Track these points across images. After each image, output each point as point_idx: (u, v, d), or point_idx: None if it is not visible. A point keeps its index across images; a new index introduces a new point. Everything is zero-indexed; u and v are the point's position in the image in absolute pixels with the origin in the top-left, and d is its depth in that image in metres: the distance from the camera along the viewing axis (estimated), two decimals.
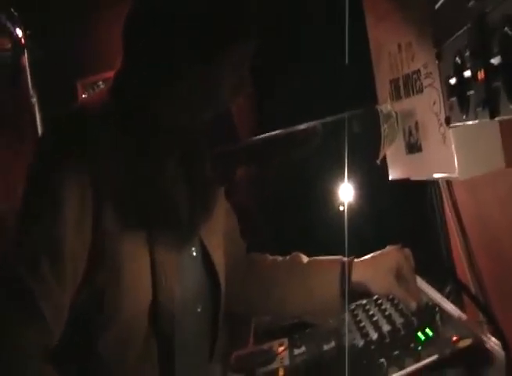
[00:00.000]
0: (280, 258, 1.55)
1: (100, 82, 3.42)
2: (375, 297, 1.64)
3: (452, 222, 1.64)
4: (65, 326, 1.11)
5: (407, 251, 1.44)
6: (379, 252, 1.46)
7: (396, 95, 1.60)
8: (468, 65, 1.05)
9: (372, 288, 1.43)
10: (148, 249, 1.17)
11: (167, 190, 1.23)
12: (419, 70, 1.47)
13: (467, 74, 1.06)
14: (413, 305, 1.39)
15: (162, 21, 1.14)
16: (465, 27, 1.05)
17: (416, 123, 1.52)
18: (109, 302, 1.15)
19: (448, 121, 1.24)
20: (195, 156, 1.32)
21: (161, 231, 1.20)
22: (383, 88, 1.68)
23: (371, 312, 1.56)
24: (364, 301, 1.65)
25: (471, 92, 1.05)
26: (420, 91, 1.48)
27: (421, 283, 1.60)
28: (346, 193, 1.85)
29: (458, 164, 1.35)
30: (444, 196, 1.66)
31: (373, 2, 1.68)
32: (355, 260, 1.45)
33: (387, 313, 1.52)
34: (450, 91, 1.19)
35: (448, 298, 1.62)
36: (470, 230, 1.60)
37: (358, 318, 1.57)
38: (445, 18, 1.17)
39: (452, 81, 1.16)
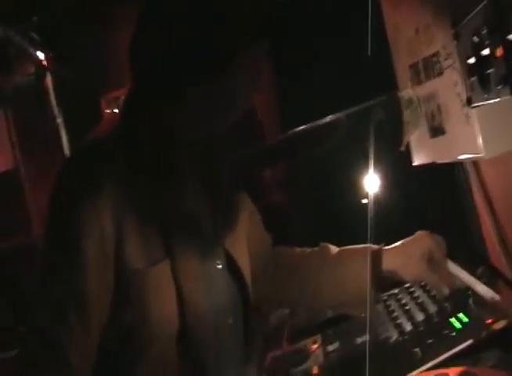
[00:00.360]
0: (309, 250, 1.53)
1: (123, 96, 3.41)
2: (407, 285, 1.62)
3: (480, 202, 1.62)
4: (94, 367, 1.11)
5: (438, 236, 1.41)
6: (409, 238, 1.43)
7: (417, 80, 1.58)
8: (486, 43, 1.03)
9: (403, 275, 1.41)
10: (173, 278, 1.15)
11: (190, 213, 1.20)
12: (438, 52, 1.45)
13: (486, 52, 1.04)
14: (446, 290, 1.37)
15: (167, 39, 1.11)
16: (481, 5, 1.03)
17: (438, 106, 1.50)
18: (138, 337, 1.14)
19: (469, 102, 1.22)
20: (215, 169, 1.30)
21: (186, 256, 1.17)
22: (403, 74, 1.66)
23: (403, 301, 1.54)
24: (396, 291, 1.63)
25: (491, 70, 1.03)
26: (441, 73, 1.45)
27: (452, 266, 1.58)
28: (372, 181, 1.83)
29: (483, 143, 1.33)
30: (471, 176, 1.63)
31: None
32: (385, 247, 1.43)
33: (419, 301, 1.50)
34: (470, 71, 1.17)
35: (480, 279, 1.59)
36: (500, 208, 1.57)
37: (390, 308, 1.55)
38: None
39: (471, 60, 1.14)
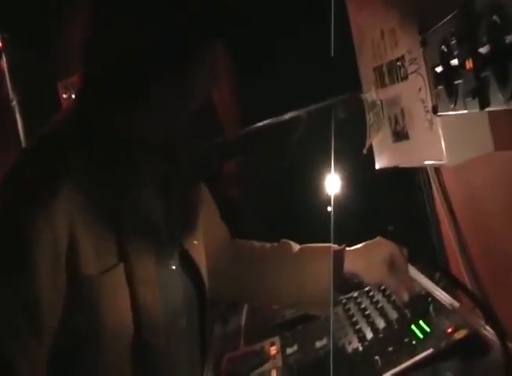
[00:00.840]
0: (269, 245, 1.51)
1: None
2: (366, 288, 1.61)
3: (442, 208, 1.62)
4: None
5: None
6: (371, 242, 1.43)
7: (381, 83, 1.57)
8: (455, 53, 1.02)
9: (364, 278, 1.41)
10: (127, 283, 1.12)
11: (146, 213, 1.16)
12: (403, 57, 1.44)
13: (454, 62, 1.03)
14: (406, 296, 1.38)
15: (127, 34, 1.06)
16: (451, 15, 1.02)
17: (402, 110, 1.49)
18: (91, 344, 1.10)
19: (435, 110, 1.21)
20: (174, 164, 1.25)
21: (140, 260, 1.14)
22: (367, 77, 1.65)
23: (363, 306, 1.54)
24: (355, 294, 1.62)
25: (459, 82, 1.02)
26: (405, 77, 1.44)
27: (413, 271, 1.58)
28: (333, 180, 1.82)
29: (446, 151, 1.33)
30: (433, 182, 1.63)
31: None
32: (347, 249, 1.43)
33: (379, 306, 1.49)
34: (437, 79, 1.16)
35: (439, 283, 1.60)
36: (461, 215, 1.57)
37: (350, 312, 1.54)
38: (430, 4, 1.14)
39: (439, 69, 1.13)
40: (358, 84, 1.74)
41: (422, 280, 1.54)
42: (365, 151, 1.64)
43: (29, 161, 1.12)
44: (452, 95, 1.07)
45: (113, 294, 1.10)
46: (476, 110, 0.94)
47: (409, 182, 1.82)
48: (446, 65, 1.07)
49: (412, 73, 1.41)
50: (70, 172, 1.07)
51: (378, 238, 1.43)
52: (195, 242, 1.31)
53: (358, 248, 1.43)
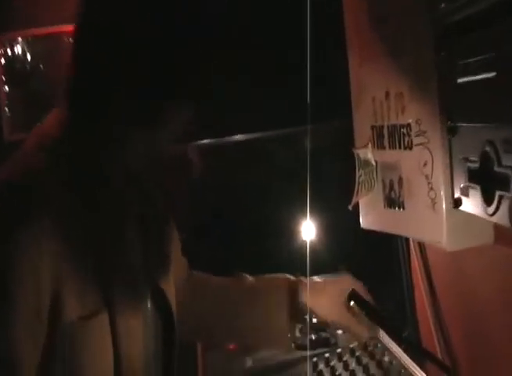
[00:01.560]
0: (226, 278, 1.49)
1: (19, 38, 3.20)
2: (339, 350, 1.58)
3: (418, 272, 1.60)
4: None
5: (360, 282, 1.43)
6: (332, 277, 1.46)
7: (379, 144, 1.53)
8: (506, 164, 0.98)
9: (320, 315, 1.40)
10: (111, 331, 1.07)
11: (128, 259, 1.14)
12: (409, 125, 1.40)
13: (503, 172, 0.99)
14: (365, 334, 1.38)
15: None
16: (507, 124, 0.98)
17: (400, 179, 1.45)
18: None
19: (457, 204, 1.18)
20: (150, 207, 1.24)
21: (123, 307, 1.10)
22: (362, 132, 1.60)
23: (338, 373, 1.50)
24: (327, 355, 1.58)
25: (505, 195, 0.98)
26: (409, 147, 1.41)
27: (383, 335, 1.57)
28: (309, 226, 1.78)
29: (447, 235, 1.31)
30: (413, 252, 1.62)
31: (359, 41, 1.59)
32: (305, 281, 1.41)
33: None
34: (468, 174, 1.12)
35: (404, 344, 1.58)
36: (442, 291, 1.56)
37: None
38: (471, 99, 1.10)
39: (473, 165, 1.10)
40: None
41: (393, 346, 1.52)
42: (350, 208, 1.59)
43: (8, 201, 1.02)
44: (491, 203, 1.03)
45: (95, 342, 1.05)
46: None
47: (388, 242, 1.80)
48: (488, 170, 1.03)
49: (418, 145, 1.38)
50: (52, 214, 1.01)
51: (341, 274, 1.45)
52: (170, 281, 1.28)
53: (317, 282, 1.42)
